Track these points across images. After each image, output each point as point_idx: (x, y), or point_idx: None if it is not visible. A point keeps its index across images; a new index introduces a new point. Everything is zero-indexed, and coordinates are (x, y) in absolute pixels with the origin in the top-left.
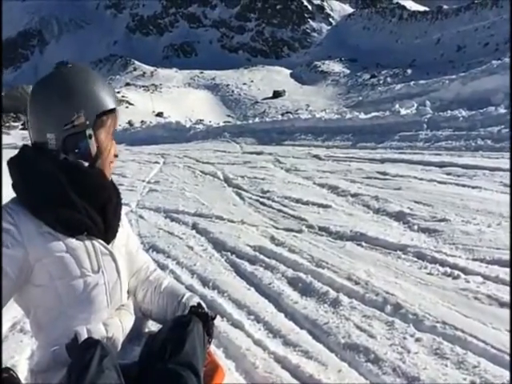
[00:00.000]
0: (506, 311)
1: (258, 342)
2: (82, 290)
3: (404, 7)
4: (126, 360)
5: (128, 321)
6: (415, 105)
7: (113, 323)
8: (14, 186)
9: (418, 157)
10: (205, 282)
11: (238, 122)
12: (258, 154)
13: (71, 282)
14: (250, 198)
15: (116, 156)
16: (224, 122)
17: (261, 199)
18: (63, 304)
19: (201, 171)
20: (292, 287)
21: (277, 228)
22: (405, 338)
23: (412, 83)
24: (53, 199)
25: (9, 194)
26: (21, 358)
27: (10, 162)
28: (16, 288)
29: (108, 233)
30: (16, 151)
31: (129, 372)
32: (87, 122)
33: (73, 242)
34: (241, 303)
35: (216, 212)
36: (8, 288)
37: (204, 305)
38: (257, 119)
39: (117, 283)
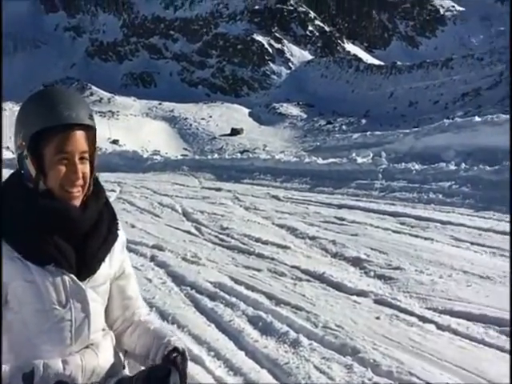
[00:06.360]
0: (461, 361)
1: (218, 379)
2: (47, 322)
3: (360, 59)
4: None
5: (91, 361)
6: (371, 154)
7: (72, 361)
8: None
9: (373, 205)
10: (164, 316)
11: (197, 157)
12: (217, 190)
13: (36, 312)
14: (210, 234)
15: (85, 179)
16: (182, 156)
17: (220, 235)
18: (29, 331)
19: (159, 203)
20: (252, 326)
21: (236, 266)
22: (363, 382)
23: (368, 133)
24: (20, 226)
25: None
26: None
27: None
28: None
29: (82, 268)
30: None
31: None
32: (23, 143)
33: (40, 271)
34: (201, 339)
35: (175, 245)
36: None
37: (186, 350)
38: (216, 155)
39: (85, 322)
